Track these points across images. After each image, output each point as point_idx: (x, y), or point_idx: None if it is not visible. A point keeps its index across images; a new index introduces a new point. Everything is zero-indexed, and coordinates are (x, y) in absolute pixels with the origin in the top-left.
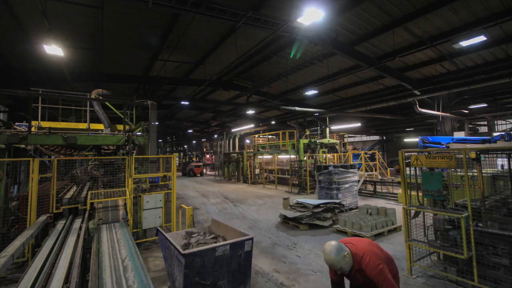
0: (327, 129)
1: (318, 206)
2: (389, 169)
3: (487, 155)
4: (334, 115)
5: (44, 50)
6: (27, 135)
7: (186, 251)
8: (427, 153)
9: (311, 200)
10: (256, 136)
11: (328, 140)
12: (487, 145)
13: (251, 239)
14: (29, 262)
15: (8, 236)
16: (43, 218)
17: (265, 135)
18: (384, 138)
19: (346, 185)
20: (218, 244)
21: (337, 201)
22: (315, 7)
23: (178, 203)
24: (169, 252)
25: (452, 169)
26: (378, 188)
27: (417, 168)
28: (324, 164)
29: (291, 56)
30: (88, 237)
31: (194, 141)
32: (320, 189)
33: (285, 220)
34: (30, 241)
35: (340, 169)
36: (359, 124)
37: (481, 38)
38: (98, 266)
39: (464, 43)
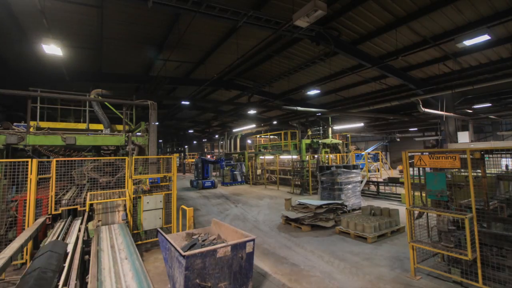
0: (330, 129)
1: (320, 206)
2: (392, 169)
3: (491, 155)
4: (337, 115)
5: (42, 50)
6: (26, 136)
7: (187, 253)
8: (430, 153)
9: (313, 200)
10: (258, 136)
11: (331, 140)
12: (491, 144)
13: (253, 240)
14: (28, 264)
15: (6, 238)
16: (41, 219)
17: (267, 135)
18: (388, 138)
19: (349, 186)
20: (219, 245)
21: (339, 201)
22: (317, 6)
23: (178, 204)
24: (169, 254)
25: (456, 170)
26: (381, 188)
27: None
28: (326, 164)
29: None
30: (87, 239)
31: (195, 142)
32: (323, 190)
33: (287, 221)
34: (29, 243)
35: (342, 169)
36: (361, 124)
37: (485, 37)
38: (97, 268)
39: (468, 42)
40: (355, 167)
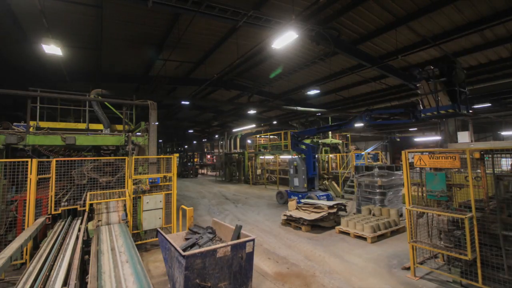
0: None
1: (332, 206)
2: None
3: (490, 155)
4: (337, 115)
5: (42, 50)
6: (25, 135)
7: (187, 253)
8: (430, 153)
9: (316, 200)
10: (258, 136)
11: (331, 140)
12: (491, 144)
13: (253, 240)
14: (27, 264)
15: (6, 238)
16: (41, 219)
17: (267, 135)
18: (387, 138)
19: (392, 189)
20: (219, 245)
21: (343, 202)
22: (317, 6)
23: (178, 204)
24: (169, 254)
25: (456, 170)
26: None
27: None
28: (363, 163)
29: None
30: (87, 239)
31: (195, 141)
32: (360, 193)
33: (287, 221)
34: (28, 243)
35: (386, 170)
36: (361, 124)
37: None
38: (97, 268)
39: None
40: (397, 168)
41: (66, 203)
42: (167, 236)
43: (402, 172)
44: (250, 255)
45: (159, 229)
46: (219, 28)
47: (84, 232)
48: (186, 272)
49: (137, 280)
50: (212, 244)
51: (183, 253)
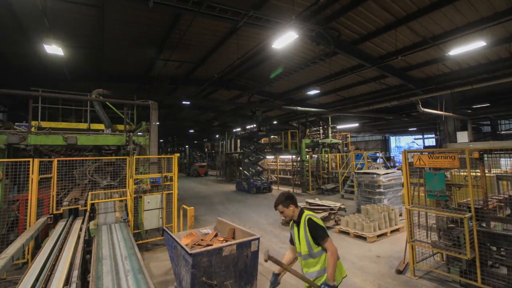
0: (329, 129)
1: (333, 208)
2: (391, 169)
3: (490, 155)
4: (337, 115)
5: (44, 50)
6: (27, 135)
7: (194, 251)
8: (429, 153)
9: (322, 201)
10: None
11: (331, 140)
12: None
13: (258, 239)
14: (29, 263)
15: (7, 237)
16: (43, 219)
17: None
18: (387, 137)
19: (392, 189)
20: (225, 244)
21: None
22: (317, 6)
23: (179, 204)
24: (175, 252)
25: (455, 169)
26: None
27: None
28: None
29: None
30: (89, 238)
31: (195, 141)
32: (360, 193)
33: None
34: (30, 242)
35: (385, 170)
36: (361, 124)
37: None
38: (98, 268)
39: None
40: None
41: (67, 203)
42: (173, 235)
43: (401, 172)
44: (255, 254)
45: (165, 228)
46: (219, 28)
47: (85, 232)
48: (193, 270)
49: (137, 279)
50: (218, 243)
51: (190, 251)
